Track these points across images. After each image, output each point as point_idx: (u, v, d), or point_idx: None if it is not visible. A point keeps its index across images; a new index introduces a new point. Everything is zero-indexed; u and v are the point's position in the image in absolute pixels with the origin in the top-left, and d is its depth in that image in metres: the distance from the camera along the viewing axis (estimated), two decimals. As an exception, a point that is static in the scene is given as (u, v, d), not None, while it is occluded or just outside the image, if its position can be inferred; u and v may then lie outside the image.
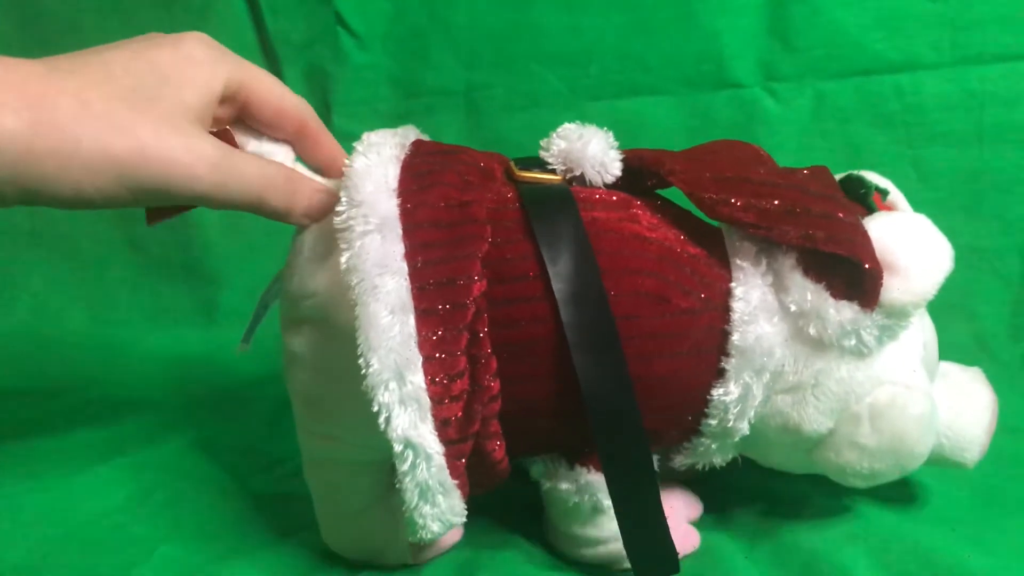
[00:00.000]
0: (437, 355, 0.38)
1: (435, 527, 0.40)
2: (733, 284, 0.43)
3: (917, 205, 0.73)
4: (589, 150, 0.44)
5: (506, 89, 0.81)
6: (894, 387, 0.44)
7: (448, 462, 0.39)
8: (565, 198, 0.43)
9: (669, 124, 0.78)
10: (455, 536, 0.50)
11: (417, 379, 0.37)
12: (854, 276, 0.42)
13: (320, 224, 0.45)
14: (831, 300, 0.43)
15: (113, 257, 0.89)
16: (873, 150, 0.75)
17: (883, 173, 0.74)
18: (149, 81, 0.40)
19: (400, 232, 0.39)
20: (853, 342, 0.43)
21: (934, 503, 0.54)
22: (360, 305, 0.38)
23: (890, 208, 0.48)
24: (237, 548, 0.52)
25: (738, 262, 0.44)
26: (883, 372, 0.44)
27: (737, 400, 0.43)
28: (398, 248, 0.39)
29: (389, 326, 0.37)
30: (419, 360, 0.38)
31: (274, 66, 0.85)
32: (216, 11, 0.84)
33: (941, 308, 0.72)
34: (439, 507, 0.39)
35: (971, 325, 0.73)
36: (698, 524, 0.51)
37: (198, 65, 0.42)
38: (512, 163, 0.45)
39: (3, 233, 0.90)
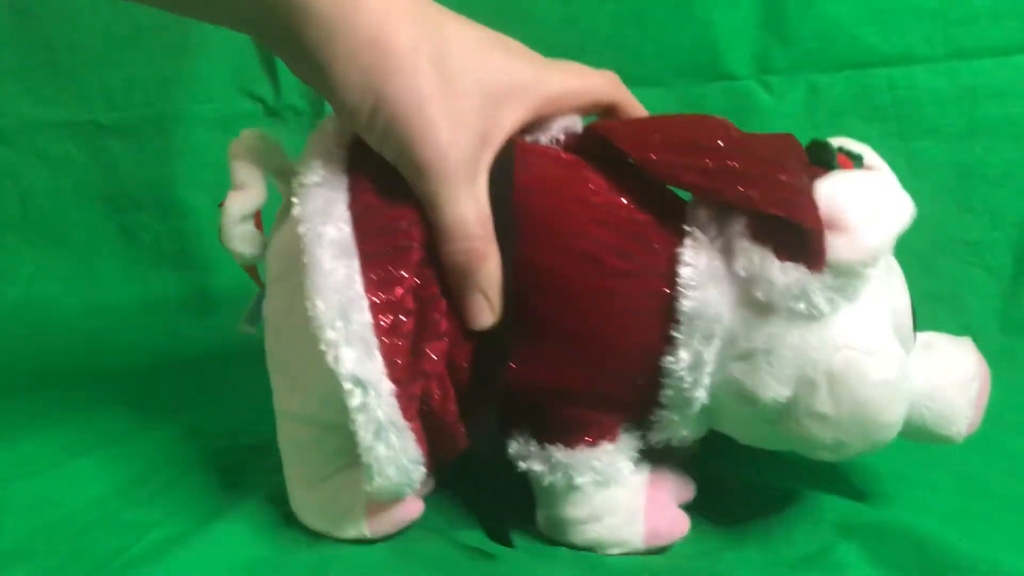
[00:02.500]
0: (382, 295, 0.40)
1: (391, 471, 0.41)
2: (680, 250, 0.42)
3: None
4: None
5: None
6: (853, 352, 0.42)
7: (400, 402, 0.40)
8: (506, 156, 0.44)
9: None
10: (412, 511, 0.47)
11: (363, 318, 0.39)
12: (801, 238, 0.41)
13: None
14: (777, 263, 0.41)
15: (104, 245, 0.89)
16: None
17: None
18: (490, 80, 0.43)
19: (346, 183, 0.42)
20: (802, 305, 0.41)
21: (924, 495, 0.55)
22: (307, 253, 0.39)
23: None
24: (230, 533, 0.52)
25: (688, 228, 0.43)
26: (840, 336, 0.42)
27: (689, 368, 0.43)
28: (342, 196, 0.41)
29: (333, 269, 0.39)
30: (364, 301, 0.39)
31: (266, 52, 0.84)
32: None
33: (930, 300, 0.74)
34: (393, 448, 0.40)
35: (960, 317, 0.73)
36: (690, 512, 0.51)
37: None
38: None
39: (-7, 220, 0.90)
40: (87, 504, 0.55)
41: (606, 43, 0.78)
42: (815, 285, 0.41)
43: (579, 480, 0.45)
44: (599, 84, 0.49)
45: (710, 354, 0.43)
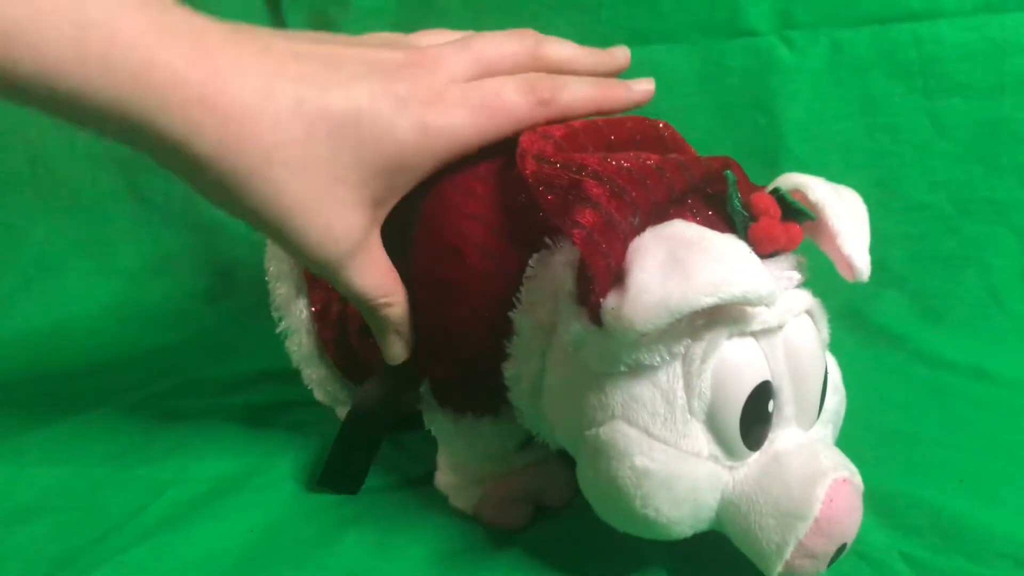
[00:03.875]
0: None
1: (318, 393, 0.54)
2: (530, 261, 0.41)
3: (933, 157, 0.73)
4: None
5: (515, 35, 0.79)
6: (624, 427, 0.37)
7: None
8: None
9: (681, 72, 0.76)
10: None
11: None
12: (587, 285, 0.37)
13: None
14: (575, 304, 0.38)
15: (114, 206, 0.88)
16: (889, 100, 0.74)
17: (898, 124, 0.74)
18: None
19: None
20: (581, 356, 0.38)
21: (940, 457, 0.54)
22: None
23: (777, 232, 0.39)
24: (243, 488, 0.52)
25: (547, 239, 0.41)
26: (621, 407, 0.37)
27: (516, 377, 0.42)
28: None
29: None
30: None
31: (276, 12, 0.83)
32: (218, -45, 0.82)
33: (955, 260, 0.73)
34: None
35: (985, 278, 0.72)
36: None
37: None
38: None
39: (3, 182, 0.89)
40: (102, 460, 0.55)
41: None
42: (590, 339, 0.37)
43: (443, 439, 0.50)
44: (507, 112, 0.43)
45: (534, 367, 0.41)
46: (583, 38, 0.77)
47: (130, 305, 0.79)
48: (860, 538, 0.46)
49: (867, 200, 0.75)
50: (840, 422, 0.44)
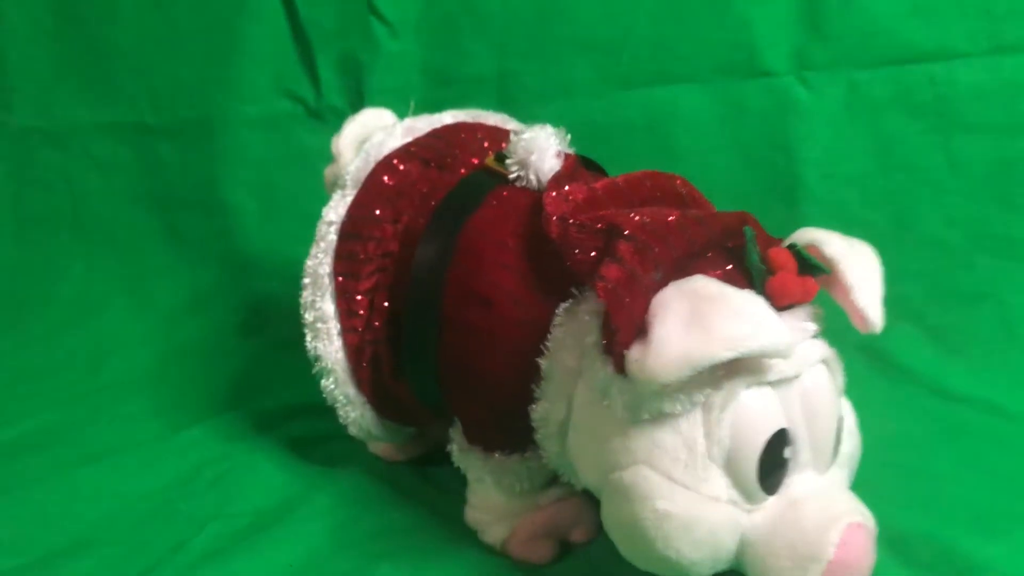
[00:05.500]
0: (345, 289, 0.53)
1: (352, 429, 0.55)
2: (558, 310, 0.44)
3: (948, 194, 0.74)
4: (532, 158, 0.49)
5: (538, 77, 0.81)
6: (647, 471, 0.39)
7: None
8: (474, 194, 0.50)
9: (701, 112, 0.78)
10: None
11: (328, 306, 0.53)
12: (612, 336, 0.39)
13: None
14: (600, 353, 0.41)
15: (151, 244, 0.91)
16: (905, 140, 0.75)
17: (914, 162, 0.75)
18: None
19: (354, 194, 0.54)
20: (606, 402, 0.40)
21: (954, 495, 0.55)
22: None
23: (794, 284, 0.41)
24: (281, 523, 0.55)
25: (575, 289, 0.44)
26: (645, 453, 0.39)
27: (544, 418, 0.45)
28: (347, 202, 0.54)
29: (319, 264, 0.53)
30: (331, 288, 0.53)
31: (307, 54, 0.86)
32: (250, 1, 0.85)
33: (970, 296, 0.74)
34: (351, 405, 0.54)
35: (1000, 313, 0.73)
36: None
37: None
38: (493, 153, 0.52)
39: (45, 220, 0.93)
40: (147, 494, 0.58)
41: (644, 40, 0.79)
42: (615, 387, 0.40)
43: (472, 476, 0.52)
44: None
45: (561, 411, 0.44)
46: (605, 80, 0.80)
47: (167, 341, 0.82)
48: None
49: (884, 237, 0.77)
50: (856, 465, 0.46)
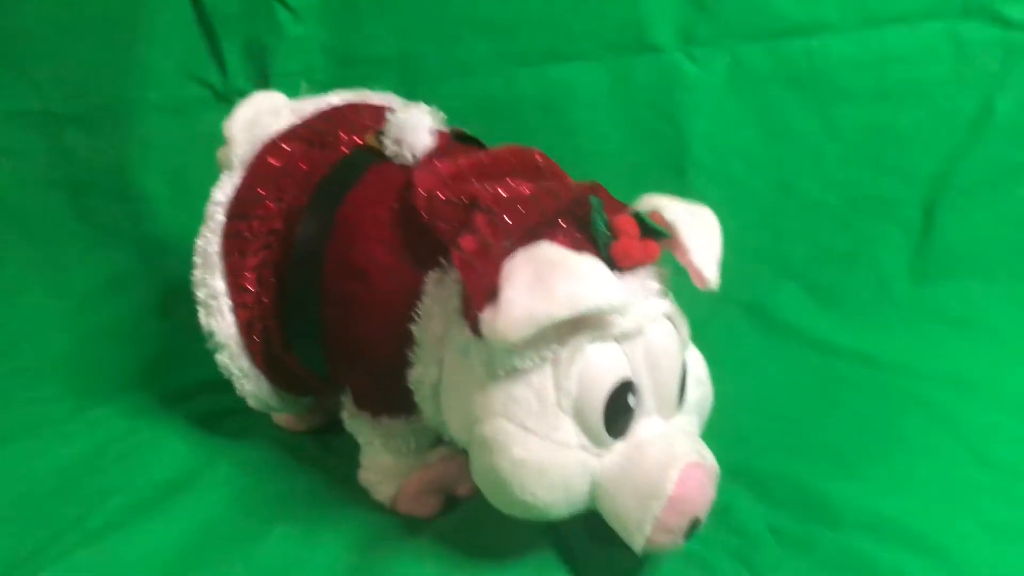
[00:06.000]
0: (233, 266, 0.55)
1: (251, 401, 0.57)
2: (427, 279, 0.47)
3: (826, 160, 0.79)
4: (407, 136, 0.51)
5: (438, 56, 0.84)
6: (504, 423, 0.43)
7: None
8: (353, 172, 0.52)
9: (594, 88, 0.81)
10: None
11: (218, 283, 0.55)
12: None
13: None
14: (461, 317, 0.44)
15: (64, 230, 0.92)
16: (785, 110, 0.79)
17: (794, 130, 0.79)
18: None
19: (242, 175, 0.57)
20: (467, 362, 0.44)
21: (816, 439, 0.60)
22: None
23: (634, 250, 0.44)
24: (183, 492, 0.57)
25: (442, 260, 0.47)
26: (501, 405, 0.43)
27: (420, 382, 0.48)
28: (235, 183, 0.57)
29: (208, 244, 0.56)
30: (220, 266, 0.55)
31: (213, 40, 0.87)
32: (154, -13, 0.86)
33: (845, 255, 0.78)
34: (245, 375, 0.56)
35: (874, 270, 0.78)
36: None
37: None
38: (375, 133, 0.53)
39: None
40: (51, 472, 0.59)
41: (539, 20, 0.81)
42: (473, 348, 0.44)
43: (363, 440, 0.55)
44: None
45: (433, 374, 0.47)
46: (503, 59, 0.82)
47: (82, 325, 0.82)
48: (732, 512, 0.52)
49: (767, 202, 0.82)
50: (706, 412, 0.49)
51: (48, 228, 0.91)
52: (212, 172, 0.60)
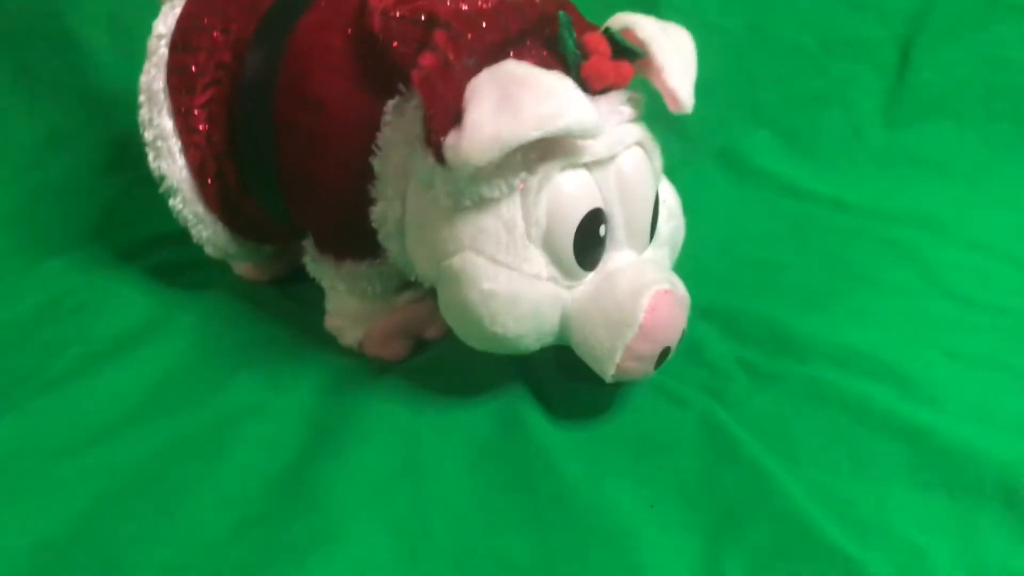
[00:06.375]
0: (181, 103, 0.52)
1: (208, 249, 0.55)
2: (386, 108, 0.44)
3: (799, 1, 0.76)
4: None
5: None
6: (473, 256, 0.41)
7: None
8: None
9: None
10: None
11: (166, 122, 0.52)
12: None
13: None
14: (423, 145, 0.42)
15: (4, 85, 0.87)
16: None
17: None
18: None
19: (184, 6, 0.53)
20: (432, 193, 0.42)
21: (787, 279, 0.60)
22: None
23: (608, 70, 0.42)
24: (143, 343, 0.56)
25: (401, 86, 0.44)
26: (468, 237, 0.41)
27: (383, 218, 0.46)
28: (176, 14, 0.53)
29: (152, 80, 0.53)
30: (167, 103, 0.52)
31: None
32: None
33: (821, 99, 0.77)
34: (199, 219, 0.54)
35: (848, 114, 0.76)
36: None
37: None
38: None
39: None
40: (4, 324, 0.58)
41: None
42: (438, 177, 0.41)
43: (327, 284, 0.53)
44: None
45: (397, 209, 0.45)
46: None
47: (28, 180, 0.79)
48: (702, 348, 0.52)
49: (740, 43, 0.79)
50: (678, 246, 0.48)
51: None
52: (153, 14, 0.56)
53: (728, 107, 0.76)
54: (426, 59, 0.39)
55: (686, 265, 0.49)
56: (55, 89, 0.86)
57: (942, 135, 0.74)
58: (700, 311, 0.53)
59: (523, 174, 0.40)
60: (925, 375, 0.49)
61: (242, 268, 0.62)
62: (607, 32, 0.43)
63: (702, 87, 0.81)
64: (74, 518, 0.43)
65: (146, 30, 0.55)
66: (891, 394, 0.47)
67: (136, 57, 0.82)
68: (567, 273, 0.42)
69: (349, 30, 0.46)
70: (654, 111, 0.46)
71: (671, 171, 0.48)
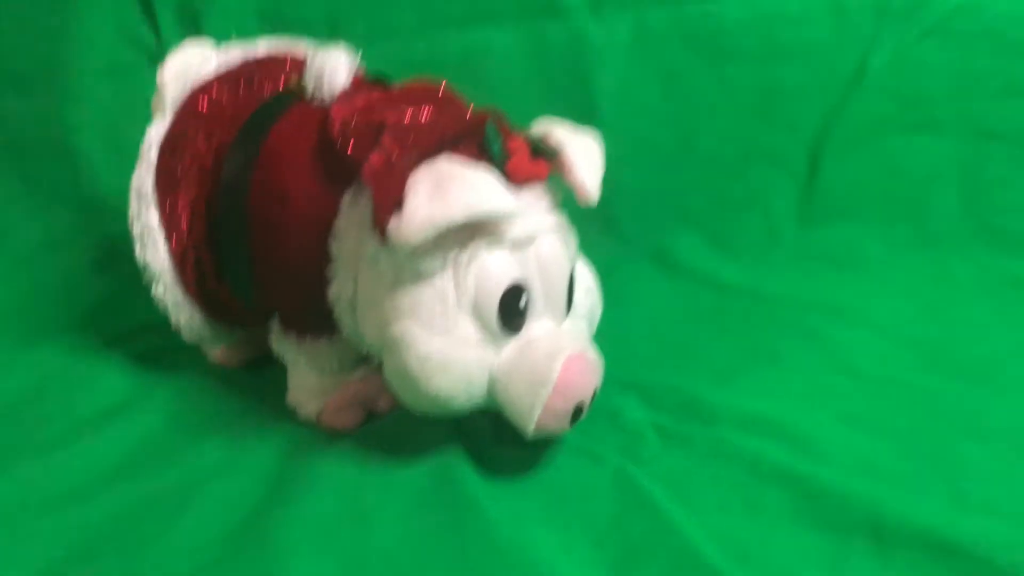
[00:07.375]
0: (166, 201, 0.59)
1: (185, 333, 0.62)
2: (343, 199, 0.52)
3: (722, 118, 0.86)
4: (325, 76, 0.56)
5: (365, 20, 0.88)
6: (409, 324, 0.48)
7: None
8: (277, 109, 0.57)
9: (510, 49, 0.86)
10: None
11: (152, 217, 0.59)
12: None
13: None
14: (371, 230, 0.49)
15: (5, 192, 0.94)
16: (685, 70, 0.85)
17: (693, 91, 0.86)
18: None
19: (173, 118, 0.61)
20: (377, 270, 0.49)
21: (702, 358, 0.66)
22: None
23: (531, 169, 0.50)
24: (119, 418, 0.62)
25: (357, 181, 0.51)
26: (405, 307, 0.48)
27: (339, 298, 0.53)
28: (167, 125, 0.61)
29: (142, 182, 0.60)
30: (154, 201, 0.60)
31: (147, 3, 0.90)
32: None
33: (742, 204, 0.86)
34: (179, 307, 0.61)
35: (766, 219, 0.85)
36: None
37: None
38: (297, 78, 0.58)
39: None
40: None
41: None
42: (383, 256, 0.49)
43: (289, 359, 0.60)
44: None
45: (349, 288, 0.52)
46: (425, 23, 0.87)
47: (21, 281, 0.85)
48: (621, 415, 0.59)
49: (670, 156, 0.89)
50: (596, 319, 0.56)
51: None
52: (145, 123, 0.64)
53: (660, 212, 0.85)
54: (375, 157, 0.48)
55: (615, 346, 0.55)
56: (54, 197, 0.94)
57: (847, 234, 0.82)
58: (623, 384, 0.60)
59: (455, 251, 0.48)
60: (816, 435, 0.55)
61: (214, 354, 0.69)
62: (528, 137, 0.51)
63: (637, 195, 0.91)
64: (44, 568, 0.48)
65: (139, 145, 0.63)
66: (784, 450, 0.54)
67: (128, 169, 0.91)
68: (493, 338, 0.49)
69: (314, 136, 0.54)
70: (591, 214, 0.54)
71: (609, 268, 0.56)
